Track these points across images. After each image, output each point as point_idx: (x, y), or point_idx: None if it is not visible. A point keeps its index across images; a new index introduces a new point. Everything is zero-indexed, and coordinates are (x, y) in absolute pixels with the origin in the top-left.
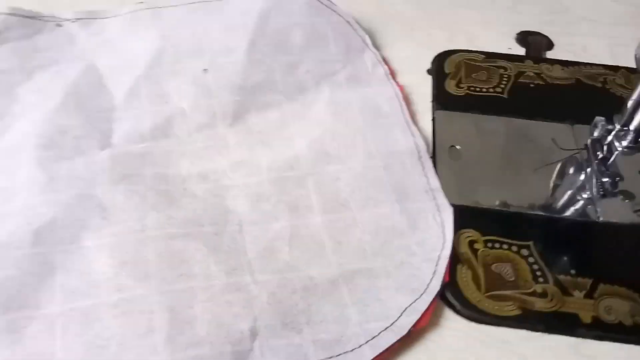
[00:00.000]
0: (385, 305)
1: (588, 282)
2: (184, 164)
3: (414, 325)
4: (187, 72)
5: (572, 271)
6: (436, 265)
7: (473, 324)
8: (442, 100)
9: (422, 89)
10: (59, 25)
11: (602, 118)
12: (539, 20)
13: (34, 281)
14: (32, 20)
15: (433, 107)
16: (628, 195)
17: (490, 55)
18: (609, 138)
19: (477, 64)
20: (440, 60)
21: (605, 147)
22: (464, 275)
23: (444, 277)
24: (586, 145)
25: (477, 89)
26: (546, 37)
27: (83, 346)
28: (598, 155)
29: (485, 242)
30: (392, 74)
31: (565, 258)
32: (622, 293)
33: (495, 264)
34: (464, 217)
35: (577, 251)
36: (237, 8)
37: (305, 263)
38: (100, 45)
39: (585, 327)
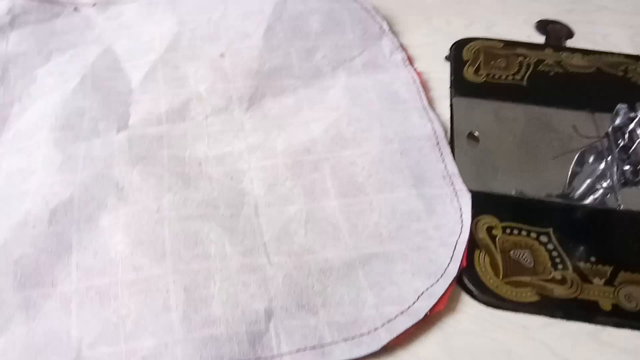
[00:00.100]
0: (401, 289)
1: (608, 269)
2: (200, 147)
3: (431, 310)
4: (204, 56)
5: (592, 258)
6: (454, 250)
7: (490, 310)
8: (460, 87)
9: (440, 76)
10: (77, 10)
11: (624, 105)
12: (558, 8)
13: (50, 259)
14: (50, 4)
15: (451, 93)
16: None
17: (510, 43)
18: (631, 126)
19: (496, 51)
20: (459, 47)
21: (626, 135)
22: (481, 260)
23: (462, 262)
24: (607, 133)
25: (496, 77)
26: (566, 25)
27: (99, 324)
28: (619, 143)
29: (504, 228)
30: (410, 60)
31: (585, 245)
32: None
33: (513, 250)
34: (482, 203)
35: (597, 238)
36: None
37: (321, 246)
38: (118, 29)
39: (605, 315)
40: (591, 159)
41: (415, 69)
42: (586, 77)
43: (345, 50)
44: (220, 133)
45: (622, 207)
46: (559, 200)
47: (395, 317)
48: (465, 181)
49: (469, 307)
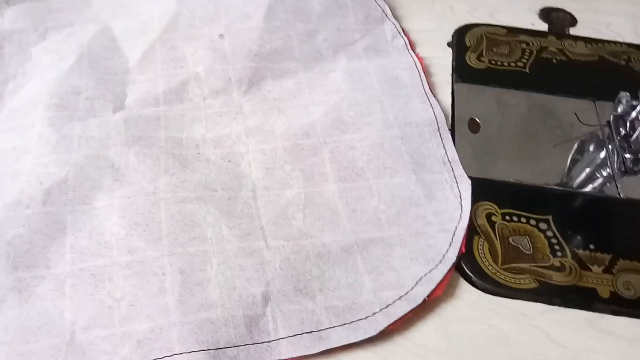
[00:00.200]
0: (399, 274)
1: (607, 257)
2: (198, 129)
3: (429, 295)
4: (203, 37)
5: (591, 246)
6: (453, 236)
7: (489, 296)
8: (462, 72)
9: (442, 61)
10: None
11: (626, 94)
12: None
13: (44, 240)
14: None
15: (453, 79)
16: None
17: (513, 30)
18: (633, 114)
19: (499, 38)
20: (462, 33)
21: (628, 124)
22: (480, 247)
23: (460, 248)
24: (608, 121)
25: (499, 63)
26: (570, 13)
27: (93, 306)
28: (620, 131)
29: (503, 215)
30: (412, 45)
31: (584, 233)
32: None
33: (512, 237)
34: (482, 189)
35: (596, 226)
36: None
37: (319, 230)
38: (116, 7)
39: (603, 302)
40: (592, 147)
41: (417, 54)
42: (589, 65)
43: (346, 34)
44: (218, 115)
45: (622, 196)
46: (558, 187)
47: (393, 302)
48: (466, 167)
49: (468, 294)
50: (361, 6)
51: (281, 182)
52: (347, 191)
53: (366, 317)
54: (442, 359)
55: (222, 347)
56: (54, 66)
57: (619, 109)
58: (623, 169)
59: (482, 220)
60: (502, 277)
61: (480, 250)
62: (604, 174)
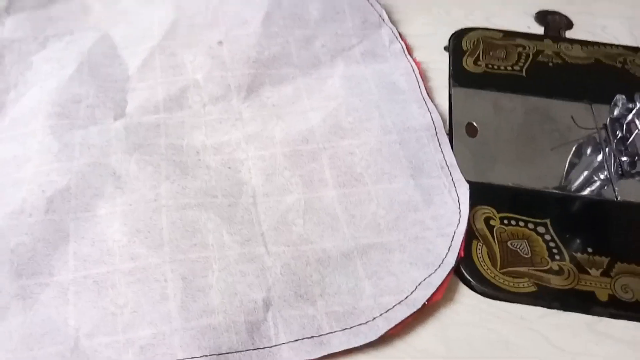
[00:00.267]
0: (399, 279)
1: (605, 260)
2: (198, 136)
3: (428, 300)
4: (202, 44)
5: (589, 249)
6: (451, 240)
7: (488, 300)
8: (459, 77)
9: (439, 66)
10: None
11: (623, 96)
12: None
13: (47, 248)
14: None
15: (450, 83)
16: None
17: (509, 34)
18: (629, 117)
19: (495, 41)
20: (458, 37)
21: (624, 127)
22: (479, 251)
23: (459, 252)
24: (605, 124)
25: (495, 67)
26: (565, 16)
27: (97, 313)
28: (617, 134)
29: (502, 219)
30: (409, 50)
31: (582, 236)
32: (639, 272)
33: (511, 241)
34: (480, 194)
35: (594, 230)
36: None
37: (319, 236)
38: (115, 15)
39: (602, 305)
40: (589, 151)
41: (414, 59)
42: (585, 68)
43: (344, 39)
44: (218, 122)
45: (619, 199)
46: (556, 191)
47: (393, 306)
48: (464, 172)
49: (467, 298)
50: (358, 11)
51: (281, 188)
52: (346, 196)
53: (366, 322)
54: None
55: (224, 352)
56: (54, 74)
57: (616, 112)
58: (620, 172)
59: (480, 224)
60: (501, 281)
61: (479, 255)
62: (602, 177)
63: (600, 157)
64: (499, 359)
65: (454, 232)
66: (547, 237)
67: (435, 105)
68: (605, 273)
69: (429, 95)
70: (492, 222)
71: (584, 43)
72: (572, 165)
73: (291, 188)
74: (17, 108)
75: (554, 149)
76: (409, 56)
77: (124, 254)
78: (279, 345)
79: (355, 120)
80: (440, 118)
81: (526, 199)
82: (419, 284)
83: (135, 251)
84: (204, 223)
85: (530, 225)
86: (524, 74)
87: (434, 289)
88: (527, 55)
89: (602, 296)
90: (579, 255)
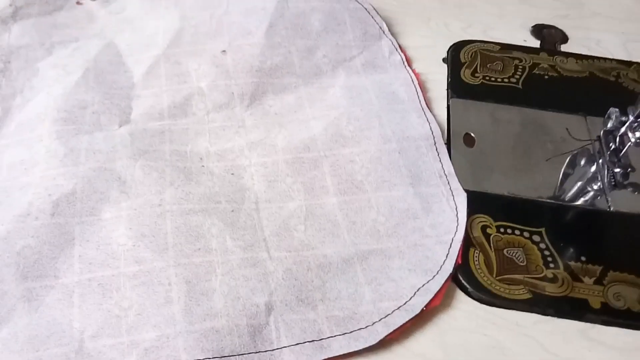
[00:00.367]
0: (398, 285)
1: (598, 269)
2: (201, 143)
3: (427, 305)
4: (206, 52)
5: (583, 258)
6: (449, 247)
7: (484, 306)
8: (457, 88)
9: (438, 77)
10: (79, 3)
11: (616, 109)
12: (554, 14)
13: (52, 251)
14: None
15: (448, 94)
16: (638, 187)
17: (506, 47)
18: (622, 130)
19: (492, 54)
20: (456, 49)
21: (617, 139)
22: (476, 258)
23: (457, 259)
24: (599, 136)
25: (492, 79)
26: (561, 30)
27: (101, 315)
28: (610, 146)
29: (498, 227)
30: (408, 61)
31: (576, 245)
32: (631, 280)
33: (507, 249)
34: (477, 202)
35: (587, 239)
36: None
37: (320, 242)
38: (120, 23)
39: (594, 312)
40: (583, 162)
41: (413, 70)
42: (580, 81)
43: (345, 50)
44: (221, 129)
45: (612, 209)
46: (551, 201)
47: (392, 312)
48: (461, 181)
49: (464, 304)
50: (359, 23)
51: (283, 195)
52: (347, 204)
53: (366, 327)
54: None
55: (226, 355)
56: (60, 81)
57: (609, 125)
58: (613, 183)
59: (477, 233)
60: (497, 288)
61: (475, 262)
62: (595, 187)
63: (594, 168)
64: None
65: (452, 239)
66: (542, 245)
67: (434, 116)
68: (598, 281)
69: (427, 106)
70: (488, 231)
71: (578, 57)
72: (567, 175)
73: (293, 195)
74: (23, 113)
75: (549, 160)
76: (408, 67)
77: (129, 257)
78: (281, 348)
79: (356, 129)
80: (438, 128)
81: (522, 208)
82: (418, 290)
83: (140, 255)
84: (208, 228)
85: (526, 234)
86: (520, 86)
87: (432, 295)
88: (524, 68)
89: (595, 304)
90: (572, 263)
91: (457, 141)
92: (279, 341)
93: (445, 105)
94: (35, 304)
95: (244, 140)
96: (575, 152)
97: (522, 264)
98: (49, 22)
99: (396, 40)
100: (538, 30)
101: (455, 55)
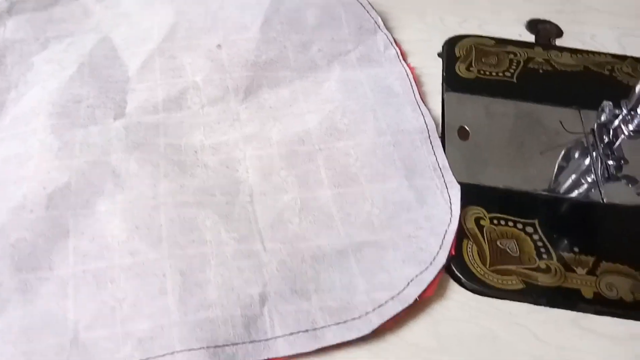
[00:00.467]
0: (391, 276)
1: (590, 259)
2: (196, 136)
3: (420, 296)
4: (201, 47)
5: (575, 249)
6: (443, 239)
7: (477, 297)
8: (452, 82)
9: (433, 71)
10: None
11: (610, 102)
12: (548, 8)
13: (47, 243)
14: None
15: (443, 88)
16: (631, 179)
17: (501, 41)
18: (615, 123)
19: (487, 48)
20: (451, 43)
21: (611, 132)
22: (469, 249)
23: (450, 250)
24: (592, 129)
25: (487, 73)
26: (556, 25)
27: (96, 306)
28: (604, 139)
29: (491, 219)
30: (403, 55)
31: (569, 236)
32: (623, 271)
33: (500, 240)
34: (471, 194)
35: (580, 230)
36: None
37: (314, 234)
38: (115, 18)
39: (587, 302)
40: (577, 155)
41: (408, 64)
42: (574, 75)
43: (340, 44)
44: (216, 122)
45: (605, 201)
46: (544, 193)
47: (386, 302)
48: (455, 173)
49: (457, 294)
50: (354, 17)
51: (277, 187)
52: (341, 196)
53: (360, 317)
54: (433, 357)
55: (220, 345)
56: (55, 75)
57: (603, 118)
58: (606, 175)
59: (471, 224)
60: (490, 278)
61: (469, 253)
62: (589, 180)
63: (587, 161)
64: (487, 352)
65: (446, 231)
66: (535, 236)
67: (429, 109)
68: (591, 272)
69: (422, 100)
70: (482, 222)
71: (573, 51)
72: (561, 168)
73: (287, 187)
74: (18, 107)
75: (543, 153)
76: (403, 61)
77: (123, 249)
78: (275, 338)
79: (351, 122)
80: (433, 121)
81: (515, 200)
82: (411, 281)
83: (134, 247)
84: (202, 220)
85: (519, 226)
86: (514, 80)
87: (426, 286)
88: (518, 62)
89: (588, 293)
90: (565, 254)
91: (452, 134)
92: (273, 331)
93: (440, 99)
94: (29, 296)
95: (238, 133)
96: (569, 145)
97: (515, 255)
98: (44, 16)
99: (391, 35)
100: (533, 25)
101: (450, 50)
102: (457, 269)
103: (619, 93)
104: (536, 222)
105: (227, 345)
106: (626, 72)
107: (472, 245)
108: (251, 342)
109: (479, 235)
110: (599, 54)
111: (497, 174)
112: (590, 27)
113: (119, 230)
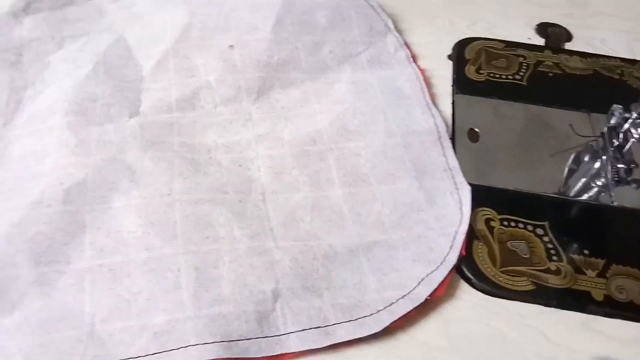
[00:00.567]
0: (402, 275)
1: (601, 262)
2: (209, 135)
3: (431, 295)
4: (214, 47)
5: (586, 251)
6: (453, 239)
7: (487, 297)
8: (462, 84)
9: (443, 73)
10: None
11: (620, 106)
12: (558, 12)
13: (64, 237)
14: None
15: (453, 91)
16: None
17: (510, 44)
18: (625, 126)
19: (497, 51)
20: (461, 46)
21: (621, 135)
22: (480, 250)
23: (461, 251)
24: (602, 133)
25: (497, 76)
26: (565, 29)
27: (112, 300)
28: (614, 142)
29: (502, 220)
30: (414, 57)
31: (579, 239)
32: (634, 274)
33: (510, 242)
34: (481, 196)
35: (590, 233)
36: None
37: (325, 232)
38: (130, 18)
39: (597, 304)
40: (587, 158)
41: (418, 66)
42: (584, 78)
43: (351, 46)
44: (228, 122)
45: (615, 204)
46: (555, 195)
47: (397, 300)
48: (465, 175)
49: (467, 295)
50: (365, 19)
51: (289, 186)
52: (352, 196)
53: (371, 315)
54: (443, 356)
55: (234, 339)
56: (71, 74)
57: (612, 121)
58: (616, 179)
59: (481, 225)
60: (501, 279)
61: (479, 254)
62: (599, 183)
63: (597, 164)
64: (498, 354)
65: (456, 232)
66: (546, 238)
67: (439, 111)
68: (601, 274)
69: (432, 101)
70: (492, 224)
71: (583, 55)
72: (571, 171)
73: (299, 186)
74: (35, 105)
75: (553, 156)
76: (413, 63)
77: (139, 244)
78: (287, 334)
79: (361, 123)
80: (443, 123)
81: (526, 202)
82: (422, 280)
83: (150, 242)
84: (216, 217)
85: (530, 227)
86: (524, 83)
87: (436, 285)
88: (528, 65)
89: (598, 296)
90: (576, 256)
91: (462, 136)
92: (286, 327)
93: (450, 101)
94: (47, 289)
95: (251, 133)
96: (579, 148)
97: (525, 256)
98: (60, 16)
99: (402, 37)
100: (542, 28)
101: (460, 52)
102: (467, 269)
103: (629, 97)
104: (546, 224)
105: (240, 339)
106: (636, 76)
107: (482, 246)
108: (264, 337)
109: (489, 236)
110: (609, 57)
111: (507, 176)
112: (600, 32)
113: (134, 226)
